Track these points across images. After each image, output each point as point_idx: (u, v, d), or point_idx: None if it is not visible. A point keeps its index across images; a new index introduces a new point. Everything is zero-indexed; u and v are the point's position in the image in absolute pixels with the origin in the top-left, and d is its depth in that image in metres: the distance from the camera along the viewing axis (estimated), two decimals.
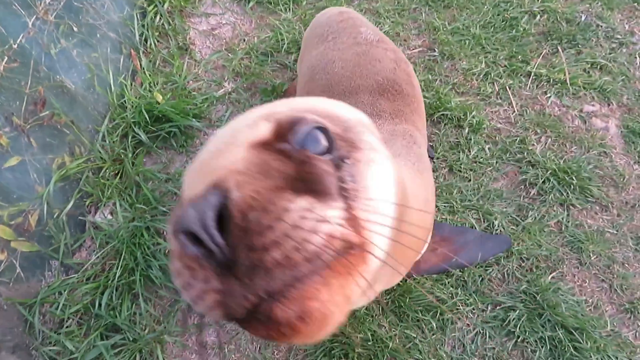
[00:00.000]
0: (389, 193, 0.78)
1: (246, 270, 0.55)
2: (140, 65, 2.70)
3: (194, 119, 2.49)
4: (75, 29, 2.34)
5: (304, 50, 2.06)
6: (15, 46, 2.00)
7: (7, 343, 1.84)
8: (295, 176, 0.63)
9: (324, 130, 0.71)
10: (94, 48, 2.46)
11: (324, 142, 0.70)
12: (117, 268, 2.08)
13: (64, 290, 2.03)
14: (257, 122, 0.72)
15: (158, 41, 2.81)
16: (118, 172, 2.37)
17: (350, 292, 0.65)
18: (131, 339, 1.94)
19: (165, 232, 2.21)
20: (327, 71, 1.76)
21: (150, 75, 2.65)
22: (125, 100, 2.52)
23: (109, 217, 2.27)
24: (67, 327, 1.97)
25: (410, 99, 1.74)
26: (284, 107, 0.79)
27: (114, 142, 2.40)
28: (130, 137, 2.44)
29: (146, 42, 2.79)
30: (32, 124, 2.06)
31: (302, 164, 0.65)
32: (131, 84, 2.63)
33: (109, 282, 2.05)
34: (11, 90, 1.96)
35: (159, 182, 2.36)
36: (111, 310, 2.00)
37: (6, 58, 1.94)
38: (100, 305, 2.00)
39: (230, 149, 0.67)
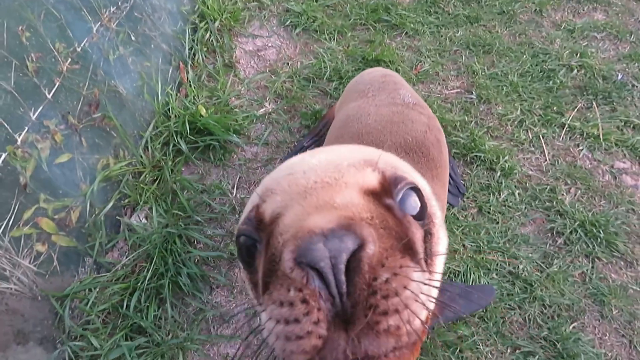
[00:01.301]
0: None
1: (359, 329, 0.55)
2: (187, 78, 2.80)
3: (234, 134, 2.57)
4: (133, 37, 2.45)
5: (343, 101, 2.13)
6: (79, 49, 2.11)
7: (36, 334, 1.89)
8: (403, 239, 0.64)
9: (419, 193, 0.73)
10: (147, 57, 2.57)
11: (417, 205, 0.72)
12: (147, 271, 2.13)
13: (94, 288, 2.08)
14: (363, 166, 0.73)
15: (206, 56, 2.93)
16: (156, 178, 2.45)
17: None
18: (155, 342, 1.98)
19: (196, 241, 2.27)
20: (361, 121, 1.80)
21: (195, 89, 2.75)
22: (169, 109, 2.61)
23: (144, 221, 2.34)
24: (93, 324, 2.02)
25: (435, 164, 1.75)
26: (374, 154, 0.80)
27: (155, 148, 2.49)
28: (171, 146, 2.52)
29: (194, 57, 2.90)
30: (85, 124, 2.15)
31: (404, 227, 0.66)
32: (176, 95, 2.72)
33: (139, 284, 2.10)
34: (70, 90, 2.06)
35: (195, 192, 2.43)
36: (138, 312, 2.05)
37: (70, 60, 2.05)
38: (128, 306, 2.04)
39: (340, 185, 0.68)
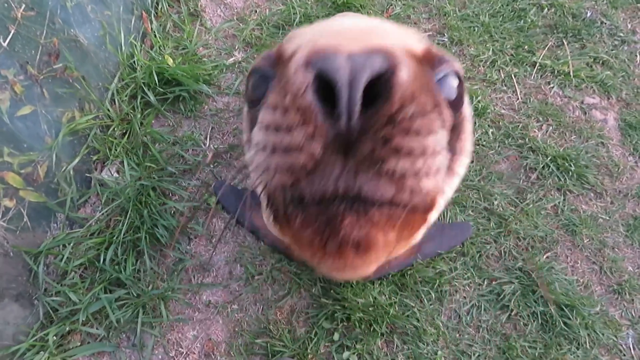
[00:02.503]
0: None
1: (360, 160, 0.46)
2: (151, 27, 2.69)
3: (204, 84, 2.50)
4: None
5: None
6: None
7: (11, 291, 1.85)
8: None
9: (459, 78, 0.67)
10: (107, 5, 2.44)
11: (455, 92, 0.65)
12: (122, 225, 2.09)
13: (68, 244, 2.04)
14: (408, 31, 0.65)
15: (169, 5, 2.80)
16: (126, 132, 2.37)
17: (402, 247, 0.61)
18: (135, 294, 1.97)
19: (171, 193, 2.23)
20: None
21: (160, 39, 2.65)
22: (135, 61, 2.51)
23: (116, 175, 2.28)
24: (70, 279, 1.99)
25: None
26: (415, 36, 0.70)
27: (122, 101, 2.40)
28: (139, 98, 2.44)
29: (158, 5, 2.77)
30: (46, 74, 2.05)
31: (439, 106, 0.57)
32: (141, 46, 2.62)
33: (114, 238, 2.07)
34: (27, 39, 1.95)
35: (167, 144, 2.37)
36: (115, 265, 2.02)
37: (24, 5, 1.93)
38: (104, 260, 2.01)
39: (381, 35, 0.57)
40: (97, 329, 1.88)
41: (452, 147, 0.65)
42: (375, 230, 0.52)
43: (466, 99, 0.73)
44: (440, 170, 0.52)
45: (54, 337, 1.84)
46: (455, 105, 0.65)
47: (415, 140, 0.47)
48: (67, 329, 1.87)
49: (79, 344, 1.89)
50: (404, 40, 0.61)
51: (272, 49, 0.68)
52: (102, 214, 2.16)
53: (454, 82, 0.65)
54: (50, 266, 2.00)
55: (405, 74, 0.45)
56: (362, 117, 0.44)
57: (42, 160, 2.01)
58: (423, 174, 0.49)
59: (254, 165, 0.53)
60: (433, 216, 0.67)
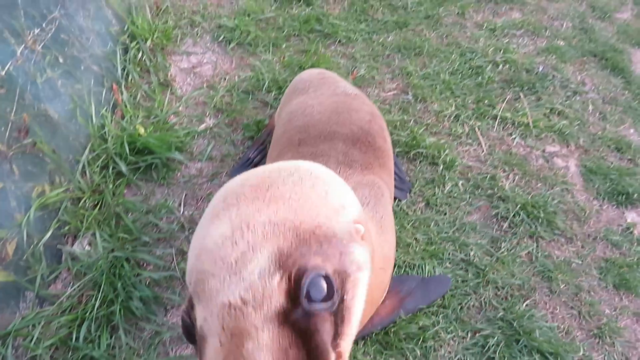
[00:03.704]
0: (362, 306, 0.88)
1: None
2: (122, 98, 2.72)
3: (176, 152, 2.52)
4: (61, 60, 2.36)
5: (284, 103, 2.14)
6: (2, 73, 2.00)
7: None
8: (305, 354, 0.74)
9: (327, 276, 0.79)
10: (77, 80, 2.48)
11: (324, 291, 0.78)
12: (95, 299, 2.02)
13: (38, 323, 1.95)
14: (273, 273, 0.77)
15: (140, 76, 2.86)
16: (98, 203, 2.34)
17: None
18: None
19: (145, 263, 2.19)
20: (306, 114, 1.80)
21: (131, 109, 2.68)
22: (106, 132, 2.52)
23: (87, 247, 2.22)
24: None
25: (381, 152, 1.78)
26: (289, 214, 0.84)
27: (94, 172, 2.39)
28: (110, 168, 2.43)
29: (128, 77, 2.82)
30: (15, 150, 2.04)
31: (307, 334, 0.75)
32: (112, 117, 2.63)
33: (87, 314, 1.99)
34: None
35: (140, 213, 2.34)
36: (89, 343, 1.93)
37: None
38: (77, 338, 1.92)
39: (251, 328, 0.74)
40: None
41: (339, 328, 0.80)
42: None
43: (354, 256, 0.87)
44: None
45: None
46: (329, 295, 0.79)
47: None
48: None
49: None
50: (268, 310, 0.75)
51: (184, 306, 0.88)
52: (74, 289, 2.08)
53: (320, 284, 0.78)
54: (19, 349, 1.90)
55: None
56: None
57: (10, 237, 1.96)
58: None
59: None
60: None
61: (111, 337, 1.97)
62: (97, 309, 1.99)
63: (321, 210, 0.88)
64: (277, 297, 0.75)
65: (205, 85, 2.92)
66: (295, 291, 0.76)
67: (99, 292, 2.04)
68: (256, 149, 2.54)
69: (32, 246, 2.05)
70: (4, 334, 1.84)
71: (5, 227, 1.93)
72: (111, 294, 2.03)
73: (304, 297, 0.76)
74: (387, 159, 1.82)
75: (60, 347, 1.94)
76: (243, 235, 0.79)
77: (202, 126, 2.72)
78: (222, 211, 0.86)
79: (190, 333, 0.84)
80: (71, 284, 2.11)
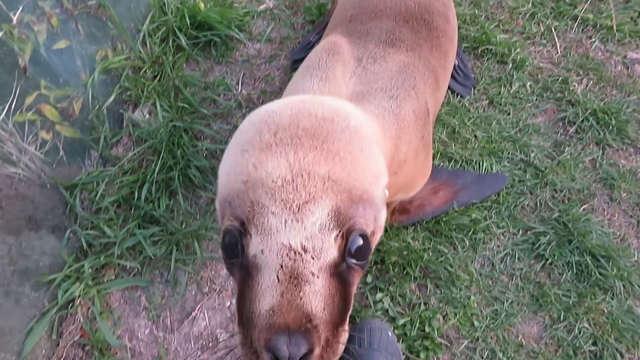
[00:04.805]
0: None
1: None
2: None
3: (236, 30, 2.46)
4: None
5: None
6: None
7: (48, 222, 1.86)
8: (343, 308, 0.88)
9: (365, 238, 0.92)
10: None
11: (366, 248, 0.92)
12: (155, 165, 2.08)
13: (102, 181, 2.04)
14: (331, 231, 0.86)
15: None
16: (157, 74, 2.35)
17: None
18: (169, 231, 1.97)
19: (202, 136, 2.22)
20: None
21: None
22: (165, 3, 2.47)
23: (147, 116, 2.27)
24: (105, 213, 1.99)
25: (437, 33, 1.67)
26: (344, 175, 0.92)
27: (154, 43, 2.38)
28: (170, 41, 2.41)
29: None
30: (80, 10, 2.03)
31: (348, 289, 0.91)
32: None
33: (147, 177, 2.06)
34: None
35: (198, 88, 2.35)
36: (150, 203, 2.02)
37: None
38: (139, 197, 2.01)
39: (307, 274, 0.83)
40: (131, 263, 1.89)
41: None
42: None
43: (380, 212, 1.03)
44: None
45: (90, 269, 1.86)
46: (363, 255, 0.92)
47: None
48: (102, 262, 1.89)
49: (114, 277, 1.91)
50: (325, 260, 0.86)
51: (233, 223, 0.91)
52: (135, 153, 2.15)
53: (359, 241, 0.91)
54: (85, 201, 2.01)
55: (317, 351, 0.80)
56: None
57: (77, 96, 2.01)
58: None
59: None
60: None
61: (170, 201, 2.05)
62: (157, 173, 2.06)
63: (367, 176, 0.97)
64: (332, 251, 0.86)
65: None
66: (346, 248, 0.88)
67: (159, 158, 2.09)
68: (317, 32, 2.45)
69: (96, 108, 2.11)
70: (72, 185, 1.94)
71: (72, 85, 1.97)
72: (170, 160, 2.09)
73: (351, 254, 0.89)
74: (446, 40, 1.71)
75: (122, 205, 2.05)
76: (305, 184, 0.87)
77: (262, 7, 2.64)
78: (275, 146, 0.92)
79: (233, 250, 0.90)
80: (132, 148, 2.18)
